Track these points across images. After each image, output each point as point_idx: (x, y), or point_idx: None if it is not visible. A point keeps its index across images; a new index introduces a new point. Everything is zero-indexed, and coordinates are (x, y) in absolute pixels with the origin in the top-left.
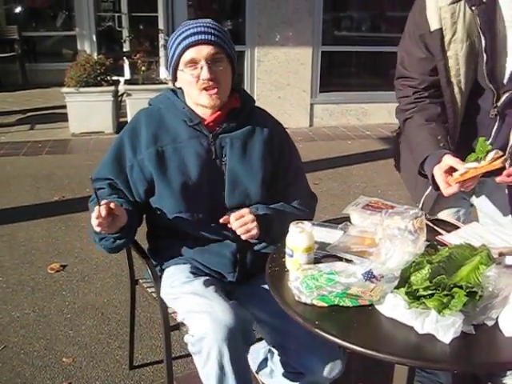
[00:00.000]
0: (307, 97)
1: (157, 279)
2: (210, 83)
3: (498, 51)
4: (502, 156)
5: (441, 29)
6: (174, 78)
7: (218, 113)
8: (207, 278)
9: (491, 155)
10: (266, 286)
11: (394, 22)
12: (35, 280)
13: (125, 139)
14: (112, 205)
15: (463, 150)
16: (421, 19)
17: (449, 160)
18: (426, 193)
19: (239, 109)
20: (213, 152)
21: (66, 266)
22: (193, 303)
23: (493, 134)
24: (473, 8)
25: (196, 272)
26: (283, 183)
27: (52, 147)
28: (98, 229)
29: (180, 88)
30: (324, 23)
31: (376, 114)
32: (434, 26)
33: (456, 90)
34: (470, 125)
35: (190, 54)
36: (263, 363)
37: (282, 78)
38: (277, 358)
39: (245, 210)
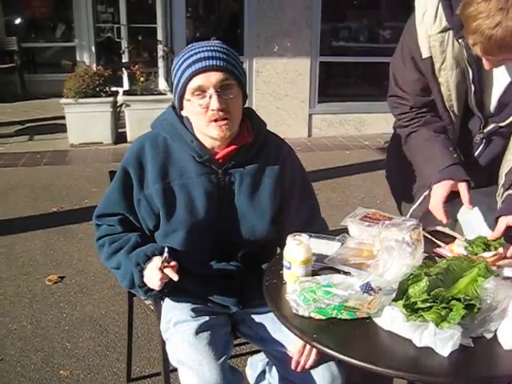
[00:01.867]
0: (306, 107)
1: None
2: (220, 114)
3: (485, 81)
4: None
5: (431, 57)
6: (180, 107)
7: (230, 148)
8: (206, 318)
9: (489, 254)
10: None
11: (392, 32)
12: (33, 292)
13: (130, 171)
14: (173, 263)
15: None
16: (412, 45)
17: (462, 191)
18: (414, 206)
19: (251, 143)
20: (221, 188)
21: (64, 277)
22: (183, 353)
23: (476, 154)
24: (460, 40)
25: (197, 308)
26: (292, 215)
27: (51, 158)
28: (157, 285)
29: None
30: (322, 34)
31: (374, 123)
32: (424, 53)
33: (451, 114)
34: (462, 146)
35: (197, 82)
36: (261, 376)
37: (281, 89)
38: (275, 371)
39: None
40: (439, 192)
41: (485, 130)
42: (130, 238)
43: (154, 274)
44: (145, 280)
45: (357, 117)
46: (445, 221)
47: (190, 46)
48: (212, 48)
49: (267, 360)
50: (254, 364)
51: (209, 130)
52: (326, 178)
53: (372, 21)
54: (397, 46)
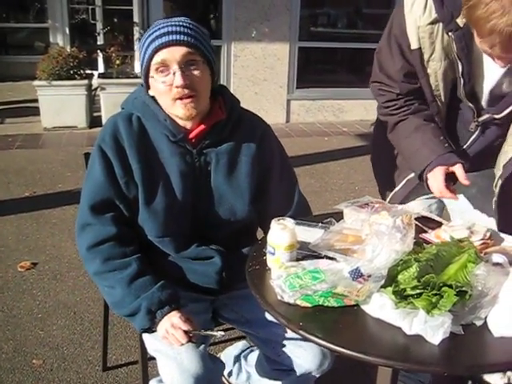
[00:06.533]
0: (284, 93)
1: None
2: (185, 91)
3: (476, 74)
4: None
5: (420, 48)
6: (147, 87)
7: (203, 127)
8: (186, 305)
9: (476, 239)
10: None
11: (371, 19)
12: (4, 278)
13: (107, 151)
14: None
15: None
16: (400, 34)
17: (458, 170)
18: (395, 190)
19: (225, 120)
20: (197, 169)
21: (37, 263)
22: (161, 341)
23: (469, 142)
24: (449, 33)
25: None
26: (272, 194)
27: (23, 141)
28: (185, 341)
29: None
30: (301, 19)
31: (352, 110)
32: (413, 44)
33: (439, 102)
34: (449, 133)
35: (159, 58)
36: (236, 368)
37: (259, 74)
38: (252, 359)
39: None
40: (437, 177)
41: (479, 119)
42: (130, 263)
43: (178, 335)
44: (161, 335)
45: (335, 103)
46: (455, 199)
47: (155, 22)
48: (176, 23)
49: (241, 352)
50: (229, 358)
51: (174, 109)
52: (304, 165)
53: (352, 7)
54: (378, 32)
